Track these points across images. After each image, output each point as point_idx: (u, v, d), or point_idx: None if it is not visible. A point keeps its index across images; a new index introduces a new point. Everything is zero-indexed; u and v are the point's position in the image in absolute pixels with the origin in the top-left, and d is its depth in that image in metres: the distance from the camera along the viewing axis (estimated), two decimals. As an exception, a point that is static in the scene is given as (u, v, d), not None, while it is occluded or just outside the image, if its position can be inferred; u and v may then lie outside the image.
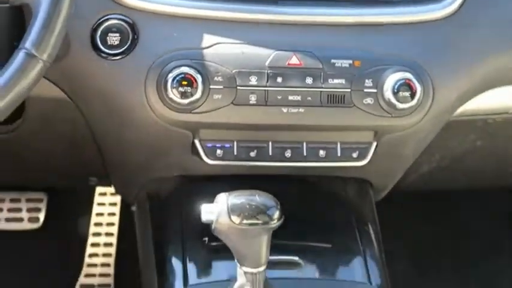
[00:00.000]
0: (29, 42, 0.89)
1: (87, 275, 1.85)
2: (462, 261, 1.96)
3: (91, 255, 1.89)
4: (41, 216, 1.92)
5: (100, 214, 1.97)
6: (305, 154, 1.16)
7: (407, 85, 1.09)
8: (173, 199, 1.25)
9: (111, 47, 1.08)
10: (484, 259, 1.98)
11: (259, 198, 0.91)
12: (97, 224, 1.95)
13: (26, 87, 0.90)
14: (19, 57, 0.88)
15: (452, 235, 1.99)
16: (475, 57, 1.18)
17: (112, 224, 1.95)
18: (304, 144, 1.16)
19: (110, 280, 1.86)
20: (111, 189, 1.92)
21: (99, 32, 1.08)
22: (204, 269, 1.13)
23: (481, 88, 1.20)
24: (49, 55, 0.90)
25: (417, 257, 1.83)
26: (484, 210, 2.04)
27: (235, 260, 0.94)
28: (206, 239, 1.11)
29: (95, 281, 1.85)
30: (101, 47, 1.07)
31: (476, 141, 1.35)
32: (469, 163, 1.47)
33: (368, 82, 1.10)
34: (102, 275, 1.86)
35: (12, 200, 1.92)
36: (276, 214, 0.90)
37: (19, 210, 1.92)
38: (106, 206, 1.99)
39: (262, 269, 0.93)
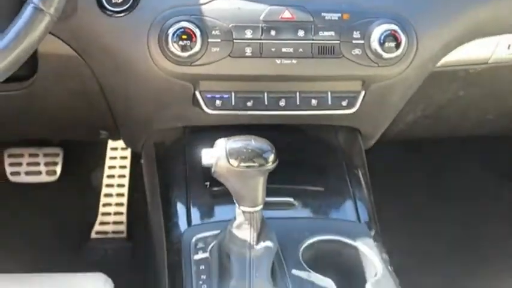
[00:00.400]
0: None
1: (101, 223, 1.87)
2: (441, 198, 1.96)
3: (105, 205, 1.90)
4: (58, 169, 1.93)
5: (112, 167, 1.98)
6: (298, 103, 1.16)
7: (393, 36, 1.08)
8: (177, 148, 1.25)
9: (115, 4, 1.07)
10: (463, 197, 1.98)
11: (255, 142, 0.91)
12: (109, 176, 1.96)
13: (34, 40, 0.89)
14: (27, 11, 0.87)
15: (433, 174, 2.01)
16: (456, 10, 1.17)
17: (123, 176, 1.96)
18: (297, 93, 1.16)
19: (122, 227, 1.87)
20: (122, 144, 1.92)
21: None
22: (206, 210, 1.15)
23: (462, 39, 1.20)
24: (55, 9, 0.88)
25: (407, 201, 1.82)
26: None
27: (234, 201, 0.94)
28: (208, 183, 1.12)
29: (109, 228, 1.86)
30: (106, 4, 1.06)
31: (458, 91, 1.35)
32: (452, 112, 1.47)
33: (356, 34, 1.09)
34: (115, 222, 1.88)
35: (30, 155, 1.93)
36: (271, 157, 0.90)
37: (37, 164, 1.93)
38: (117, 160, 1.99)
39: (259, 208, 0.93)
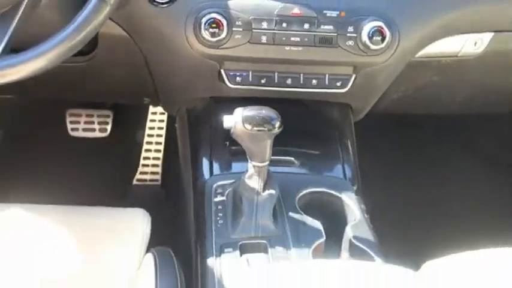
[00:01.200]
0: None
1: (141, 173, 1.89)
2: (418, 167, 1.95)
3: (144, 158, 1.92)
4: (108, 128, 1.94)
5: (152, 128, 1.98)
6: (302, 82, 1.18)
7: (380, 31, 1.09)
8: (204, 114, 1.25)
9: None
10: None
11: (265, 112, 0.93)
12: (149, 135, 1.97)
13: (97, 24, 0.90)
14: (92, 2, 0.88)
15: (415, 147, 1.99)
16: (432, 13, 1.17)
17: (160, 136, 1.96)
18: (301, 74, 1.17)
19: (158, 176, 1.88)
20: (160, 109, 1.94)
21: None
22: (225, 164, 1.16)
23: (436, 36, 1.20)
24: (114, 0, 0.90)
25: (387, 166, 1.82)
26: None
27: (247, 157, 0.97)
28: (227, 142, 1.14)
29: (147, 177, 1.88)
30: None
31: (432, 76, 1.35)
32: (427, 93, 1.46)
33: (350, 28, 1.10)
34: (152, 172, 1.89)
35: (87, 115, 1.93)
36: (277, 124, 0.92)
37: (92, 123, 1.93)
38: (156, 122, 1.99)
39: (266, 164, 0.96)
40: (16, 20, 0.90)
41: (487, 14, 1.21)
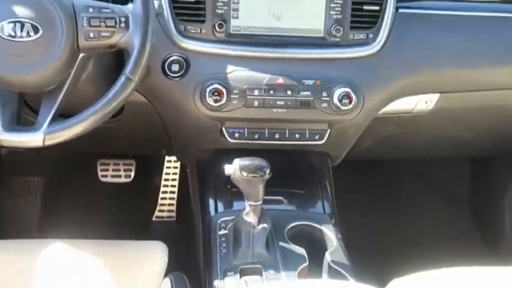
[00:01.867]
0: (128, 70, 0.91)
1: (159, 211, 1.89)
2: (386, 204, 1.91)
3: (162, 199, 1.91)
4: (132, 174, 1.92)
5: (167, 173, 1.97)
6: (287, 136, 1.18)
7: (347, 96, 1.11)
8: (210, 162, 1.25)
9: (173, 71, 1.10)
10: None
11: (257, 161, 0.95)
12: (166, 180, 1.96)
13: (125, 96, 0.93)
14: (121, 80, 0.91)
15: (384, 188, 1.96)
16: (389, 81, 1.19)
17: (175, 180, 1.95)
18: (287, 130, 1.18)
19: (173, 214, 1.88)
20: (174, 158, 1.94)
21: (166, 63, 1.10)
22: (227, 203, 1.17)
23: (393, 98, 1.22)
24: (139, 77, 0.92)
25: (359, 203, 1.79)
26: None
27: (245, 198, 0.98)
28: (229, 186, 1.14)
29: (164, 214, 1.88)
30: (168, 72, 1.10)
31: (394, 129, 1.36)
32: (391, 142, 1.45)
33: (324, 94, 1.12)
34: (168, 210, 1.89)
35: (114, 164, 1.92)
36: (267, 171, 0.95)
37: (118, 170, 1.91)
38: (171, 169, 1.98)
39: (259, 203, 0.98)
40: (62, 95, 0.93)
41: (433, 79, 1.23)
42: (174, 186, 1.95)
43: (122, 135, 1.37)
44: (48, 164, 1.88)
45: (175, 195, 1.94)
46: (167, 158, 2.00)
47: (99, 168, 1.94)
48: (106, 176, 1.94)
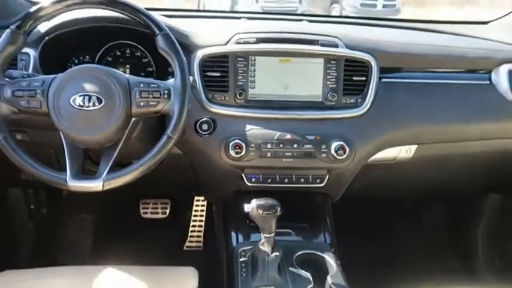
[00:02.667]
0: (169, 131, 0.94)
1: (189, 241, 1.88)
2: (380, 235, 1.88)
3: (191, 231, 1.90)
4: (167, 211, 1.92)
5: (196, 210, 1.98)
6: (294, 180, 1.19)
7: (342, 148, 1.13)
8: (232, 201, 1.24)
9: (204, 130, 1.14)
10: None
11: (270, 201, 0.96)
12: (195, 215, 1.96)
13: (166, 151, 0.95)
14: (164, 138, 0.94)
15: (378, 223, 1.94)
16: (376, 136, 1.21)
17: (202, 216, 1.95)
18: (294, 175, 1.19)
19: (201, 244, 1.86)
20: (202, 198, 1.95)
21: (198, 123, 1.14)
22: (246, 235, 1.16)
23: (379, 149, 1.23)
24: (178, 136, 0.95)
25: (355, 234, 1.73)
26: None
27: (260, 231, 0.99)
28: (247, 221, 1.09)
29: (193, 244, 1.87)
30: (199, 130, 1.14)
31: (381, 173, 1.35)
32: (379, 184, 1.46)
33: (323, 146, 1.14)
34: (197, 241, 1.87)
35: (153, 203, 1.93)
36: (279, 209, 0.95)
37: (157, 208, 1.91)
38: (199, 207, 1.98)
39: (272, 235, 0.98)
40: (117, 150, 0.97)
41: (411, 134, 1.25)
42: (202, 221, 1.94)
43: (160, 180, 1.35)
44: (99, 204, 1.89)
45: (202, 229, 1.92)
46: (196, 197, 1.99)
47: (141, 206, 1.94)
48: (146, 213, 1.94)
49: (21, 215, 1.72)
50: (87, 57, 1.28)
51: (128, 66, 1.29)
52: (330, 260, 1.06)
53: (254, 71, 1.16)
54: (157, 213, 1.95)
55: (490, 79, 1.31)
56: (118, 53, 1.29)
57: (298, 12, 8.97)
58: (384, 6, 9.60)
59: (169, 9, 1.55)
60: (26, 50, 1.09)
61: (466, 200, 1.80)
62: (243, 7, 8.81)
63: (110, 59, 1.28)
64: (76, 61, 1.28)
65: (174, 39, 0.99)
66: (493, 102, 1.28)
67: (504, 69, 1.30)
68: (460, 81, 1.29)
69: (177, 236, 1.91)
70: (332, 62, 1.17)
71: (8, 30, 0.94)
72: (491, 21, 1.56)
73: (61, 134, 0.95)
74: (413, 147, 1.28)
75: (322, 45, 1.17)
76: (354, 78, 1.18)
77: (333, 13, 9.86)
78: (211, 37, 1.17)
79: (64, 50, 1.23)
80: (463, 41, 1.42)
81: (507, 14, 1.51)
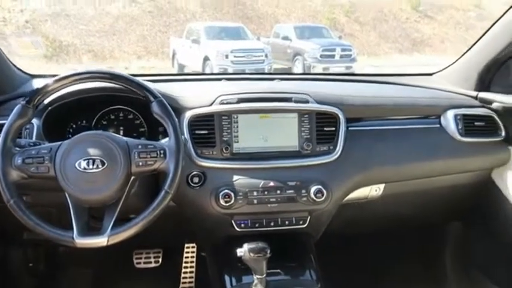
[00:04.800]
0: (167, 186, 0.96)
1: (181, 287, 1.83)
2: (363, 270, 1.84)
3: (183, 278, 1.87)
4: (160, 260, 1.89)
5: (187, 257, 1.93)
6: (279, 223, 1.20)
7: (320, 191, 1.17)
8: (223, 246, 1.23)
9: (195, 183, 1.16)
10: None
11: (260, 244, 1.01)
12: (186, 262, 1.91)
13: (165, 205, 0.97)
14: (162, 194, 0.97)
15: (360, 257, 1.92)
16: (348, 178, 1.24)
17: (193, 262, 1.91)
18: (279, 219, 1.20)
19: None
20: (192, 245, 1.91)
21: (189, 177, 1.16)
22: (239, 277, 1.15)
23: (352, 190, 1.28)
24: (174, 191, 0.97)
25: (342, 269, 1.69)
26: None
27: (252, 272, 1.01)
28: (239, 264, 1.10)
29: None
30: (191, 183, 1.16)
31: (355, 211, 1.38)
32: (355, 221, 1.48)
33: (303, 191, 1.17)
34: (189, 287, 1.83)
35: (146, 253, 1.90)
36: (268, 251, 1.00)
37: (149, 257, 1.88)
38: (190, 253, 1.94)
39: (264, 275, 1.02)
40: (119, 207, 1.00)
41: (379, 175, 1.31)
42: (193, 267, 1.91)
43: (154, 230, 1.28)
44: (95, 257, 1.85)
45: (194, 275, 1.89)
46: (187, 245, 1.96)
47: (134, 257, 1.91)
48: (140, 263, 1.91)
49: (21, 273, 1.67)
50: (84, 121, 1.32)
51: (121, 127, 1.33)
52: None
53: (237, 127, 1.21)
54: (150, 262, 1.92)
55: (440, 123, 1.41)
56: (112, 117, 1.33)
57: (265, 64, 9.30)
58: (342, 56, 10.08)
59: (155, 74, 1.62)
60: None
61: (433, 229, 1.83)
62: (215, 62, 9.07)
63: (105, 122, 1.33)
64: (74, 126, 1.31)
65: (167, 105, 1.05)
66: (444, 142, 1.37)
67: (451, 114, 1.40)
68: (415, 126, 1.38)
69: (170, 284, 1.86)
70: (305, 115, 1.23)
71: (18, 105, 0.99)
72: (435, 73, 1.69)
73: (67, 195, 0.98)
74: (382, 186, 1.34)
75: (296, 101, 1.24)
76: (325, 128, 1.24)
77: (296, 64, 10.29)
78: (197, 99, 1.23)
79: (64, 116, 1.27)
80: (414, 91, 1.53)
81: (447, 67, 1.64)
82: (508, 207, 1.40)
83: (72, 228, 0.94)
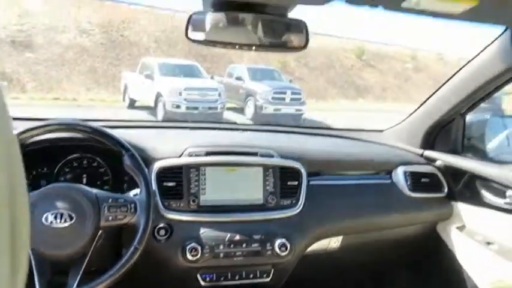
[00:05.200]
0: (136, 242, 0.98)
1: None
2: None
3: None
4: None
5: None
6: (244, 276, 1.22)
7: (284, 245, 1.19)
8: None
9: (161, 235, 1.15)
10: None
11: None
12: None
13: (133, 261, 0.98)
14: (131, 250, 0.98)
15: None
16: (309, 230, 1.28)
17: None
18: (244, 272, 1.21)
19: None
20: None
21: (155, 229, 1.14)
22: None
23: (313, 242, 1.31)
24: (143, 246, 0.98)
25: None
26: None
27: None
28: None
29: None
30: (157, 236, 1.15)
31: (317, 261, 1.39)
32: (316, 270, 1.51)
33: (268, 245, 1.19)
34: None
35: None
36: None
37: None
38: None
39: None
40: (86, 261, 0.97)
41: (336, 228, 1.37)
42: None
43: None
44: None
45: None
46: None
47: None
48: None
49: None
50: (45, 169, 1.27)
51: (84, 175, 1.30)
52: None
53: (205, 179, 1.22)
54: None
55: (391, 178, 1.51)
56: (75, 164, 1.30)
57: (218, 103, 9.45)
58: (292, 99, 10.48)
59: (120, 120, 1.61)
60: None
61: (386, 274, 1.87)
62: (168, 99, 9.08)
63: (67, 169, 1.29)
64: (34, 172, 1.27)
65: (139, 158, 1.06)
66: (396, 197, 1.47)
67: (400, 170, 1.51)
68: (369, 181, 1.47)
69: None
70: (269, 169, 1.27)
71: None
72: (385, 129, 1.80)
73: (29, 251, 0.94)
74: (340, 238, 1.40)
75: (261, 155, 1.30)
76: (288, 183, 1.28)
77: (249, 104, 10.56)
78: (166, 150, 1.25)
79: (24, 163, 1.23)
80: (367, 147, 1.63)
81: (397, 125, 1.76)
82: (450, 258, 1.48)
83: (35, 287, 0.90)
